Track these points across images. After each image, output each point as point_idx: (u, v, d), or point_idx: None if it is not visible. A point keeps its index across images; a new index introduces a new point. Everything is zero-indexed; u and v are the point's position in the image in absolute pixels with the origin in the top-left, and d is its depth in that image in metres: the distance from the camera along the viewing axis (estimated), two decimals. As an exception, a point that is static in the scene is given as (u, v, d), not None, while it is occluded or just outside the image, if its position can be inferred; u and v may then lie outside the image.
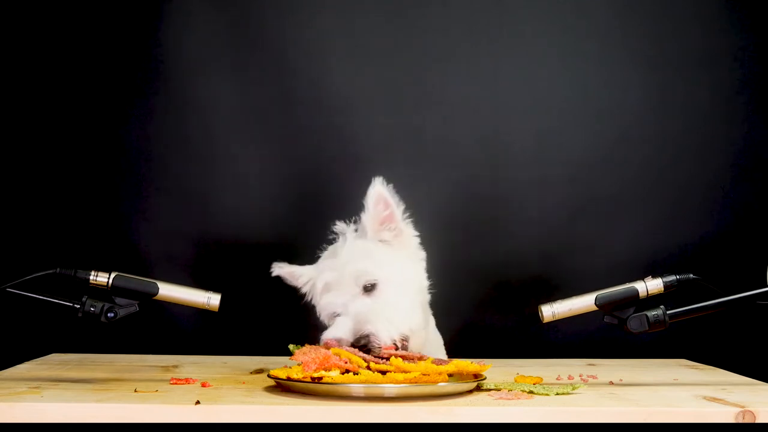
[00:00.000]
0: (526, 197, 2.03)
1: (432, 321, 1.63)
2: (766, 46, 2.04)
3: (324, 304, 1.49)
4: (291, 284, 1.58)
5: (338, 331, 1.44)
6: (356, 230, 1.53)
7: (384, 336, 1.40)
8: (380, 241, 1.52)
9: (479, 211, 2.02)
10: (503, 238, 2.01)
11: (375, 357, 1.37)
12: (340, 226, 1.54)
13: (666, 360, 1.90)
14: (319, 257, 1.56)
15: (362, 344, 1.39)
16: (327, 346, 1.39)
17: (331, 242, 1.55)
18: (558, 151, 2.04)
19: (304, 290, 1.57)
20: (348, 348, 1.38)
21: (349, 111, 2.02)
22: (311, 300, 1.55)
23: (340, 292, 1.46)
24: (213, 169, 2.01)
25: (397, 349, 1.39)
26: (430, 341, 1.58)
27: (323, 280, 1.49)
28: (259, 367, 1.67)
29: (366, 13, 2.03)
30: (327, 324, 1.49)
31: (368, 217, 1.51)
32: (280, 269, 1.58)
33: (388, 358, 1.34)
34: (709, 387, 1.46)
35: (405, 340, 1.43)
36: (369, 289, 1.46)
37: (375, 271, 1.46)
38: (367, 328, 1.41)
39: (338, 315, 1.47)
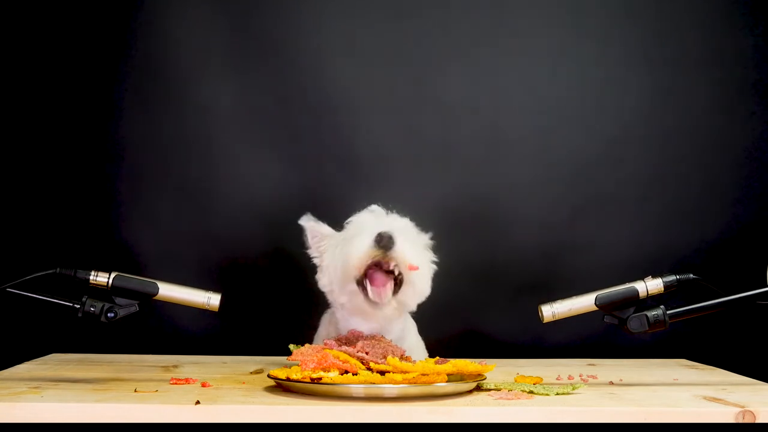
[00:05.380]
0: (526, 197, 2.03)
1: (414, 326, 1.64)
2: (766, 46, 2.04)
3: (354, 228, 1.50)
4: (309, 241, 1.58)
5: (365, 239, 1.42)
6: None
7: (409, 254, 1.41)
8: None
9: (479, 211, 2.02)
10: (503, 238, 2.01)
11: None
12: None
13: (666, 360, 1.91)
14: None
15: (384, 243, 1.39)
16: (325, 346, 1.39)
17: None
18: (558, 151, 2.04)
19: (321, 248, 1.56)
20: (345, 349, 1.38)
21: (349, 111, 2.02)
22: (321, 260, 1.55)
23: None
24: (213, 169, 2.01)
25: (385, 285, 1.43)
26: (413, 346, 1.59)
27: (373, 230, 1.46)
28: (259, 367, 1.67)
29: (366, 13, 2.03)
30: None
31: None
32: (307, 221, 1.58)
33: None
34: (709, 387, 1.46)
35: (401, 280, 1.44)
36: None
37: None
38: (399, 239, 1.41)
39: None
